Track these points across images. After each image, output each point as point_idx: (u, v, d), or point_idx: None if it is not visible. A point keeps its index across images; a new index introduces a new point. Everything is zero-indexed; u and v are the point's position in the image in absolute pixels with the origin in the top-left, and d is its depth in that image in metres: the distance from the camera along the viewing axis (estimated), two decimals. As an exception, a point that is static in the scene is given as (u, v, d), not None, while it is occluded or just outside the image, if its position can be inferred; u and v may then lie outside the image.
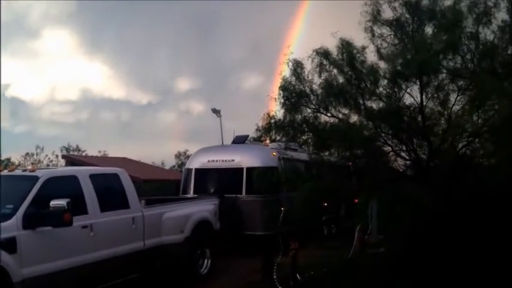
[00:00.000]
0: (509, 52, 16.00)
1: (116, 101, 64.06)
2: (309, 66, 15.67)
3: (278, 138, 17.54)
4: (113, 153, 38.23)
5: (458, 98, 14.94)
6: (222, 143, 19.90)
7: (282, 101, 15.99)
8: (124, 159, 28.33)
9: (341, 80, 15.58)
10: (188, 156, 27.91)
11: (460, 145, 15.35)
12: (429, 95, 15.15)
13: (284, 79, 16.04)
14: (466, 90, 14.80)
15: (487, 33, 16.11)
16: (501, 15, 16.50)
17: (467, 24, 15.74)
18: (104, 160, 28.43)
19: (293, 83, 16.03)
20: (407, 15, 15.49)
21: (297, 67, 15.97)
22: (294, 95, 15.90)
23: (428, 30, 15.71)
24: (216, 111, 20.14)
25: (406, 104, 15.35)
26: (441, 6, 15.50)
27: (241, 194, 17.06)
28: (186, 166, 19.81)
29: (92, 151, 39.93)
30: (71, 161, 28.85)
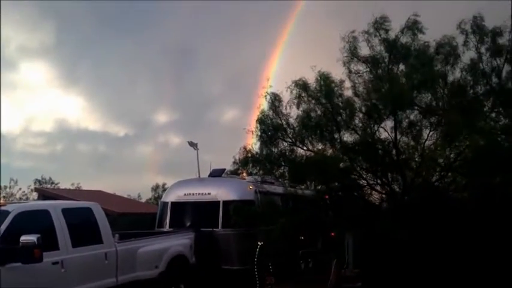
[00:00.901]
0: (477, 90, 16.66)
1: (92, 132, 63.35)
2: (286, 98, 16.05)
3: (255, 171, 17.57)
4: (87, 186, 37.56)
5: (431, 133, 15.32)
6: (199, 176, 19.76)
7: (259, 134, 16.18)
8: (98, 192, 27.87)
9: (318, 112, 15.87)
10: (165, 189, 27.57)
11: (434, 179, 15.69)
12: (403, 130, 15.50)
13: (261, 112, 16.28)
14: (438, 126, 15.21)
15: (456, 72, 16.86)
16: (469, 54, 17.30)
17: (438, 63, 16.41)
18: (78, 193, 27.90)
19: (270, 116, 16.28)
20: (384, 53, 16.01)
21: (275, 100, 16.26)
22: (270, 128, 16.11)
23: (403, 68, 16.23)
24: (192, 145, 20.08)
25: (381, 138, 15.66)
26: (415, 45, 16.07)
27: (218, 228, 16.89)
28: (162, 199, 19.59)
29: (65, 184, 39.19)
30: (43, 194, 28.18)
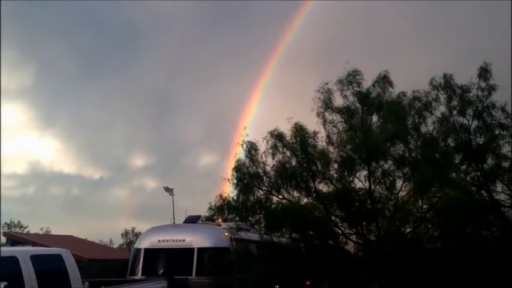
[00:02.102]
0: (448, 143, 17.24)
1: (66, 175, 62.26)
2: (263, 147, 16.25)
3: (231, 217, 17.50)
4: (58, 230, 36.61)
5: (404, 184, 15.63)
6: (174, 222, 19.53)
7: (235, 182, 16.25)
8: (69, 237, 27.16)
9: (294, 162, 16.09)
10: (137, 235, 27.04)
11: (407, 229, 15.87)
12: (377, 180, 15.78)
13: (237, 161, 16.43)
14: (411, 177, 15.55)
15: (428, 124, 17.48)
16: (441, 108, 18.00)
17: (410, 116, 17.00)
18: (48, 238, 27.13)
19: (247, 164, 16.42)
20: (358, 104, 16.53)
21: (251, 149, 16.46)
22: (247, 176, 16.21)
23: (376, 119, 16.74)
24: (168, 190, 20.00)
25: (356, 188, 15.89)
26: (388, 97, 16.67)
27: (192, 276, 16.56)
28: (135, 246, 19.17)
29: (34, 228, 38.05)
30: (12, 238, 27.34)
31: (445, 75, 17.67)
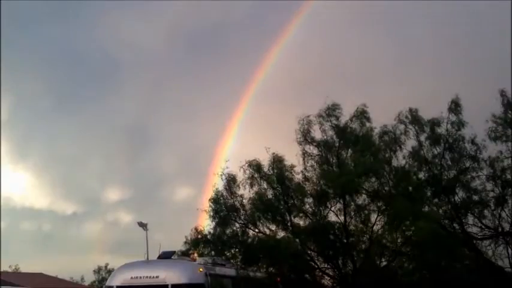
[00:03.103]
0: (420, 176, 17.55)
1: (38, 211, 60.23)
2: (240, 178, 16.30)
3: (206, 252, 17.25)
4: (27, 267, 35.14)
5: (379, 217, 15.78)
6: (147, 258, 19.08)
7: (212, 214, 16.17)
8: (39, 274, 26.23)
9: (270, 195, 16.15)
10: (110, 271, 26.31)
11: (383, 262, 15.95)
12: (352, 214, 15.91)
13: (215, 191, 16.40)
14: (385, 211, 15.73)
15: (399, 158, 17.80)
16: (410, 142, 18.35)
17: (383, 150, 17.32)
18: (17, 276, 26.13)
19: (224, 195, 16.39)
20: (335, 138, 16.81)
21: (229, 180, 16.48)
22: (223, 208, 16.16)
23: (352, 153, 16.96)
24: (142, 225, 19.64)
25: (331, 221, 15.97)
26: (363, 132, 17.00)
27: (166, 313, 16.09)
28: (107, 283, 18.53)
29: (3, 265, 36.54)
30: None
31: (410, 110, 17.95)
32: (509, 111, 17.08)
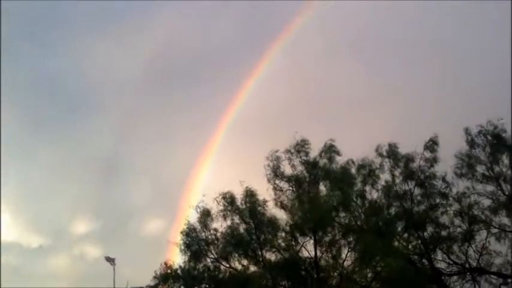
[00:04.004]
0: (391, 211, 17.80)
1: (5, 243, 57.65)
2: (214, 209, 16.29)
3: (176, 287, 17.00)
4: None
5: (349, 253, 15.89)
6: (115, 294, 18.68)
7: (183, 248, 16.06)
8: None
9: (242, 229, 16.17)
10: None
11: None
12: (323, 249, 15.98)
13: (187, 224, 16.32)
14: (356, 246, 15.85)
15: (373, 192, 18.07)
16: (385, 176, 18.66)
17: (356, 184, 17.57)
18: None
19: (196, 228, 16.32)
20: (305, 173, 17.01)
21: (201, 213, 16.44)
22: (195, 242, 16.07)
23: (323, 188, 17.22)
24: (109, 260, 19.10)
25: (302, 256, 16.01)
26: (334, 167, 17.26)
27: None
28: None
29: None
30: None
31: (389, 144, 18.37)
32: (474, 149, 17.54)
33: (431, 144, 18.06)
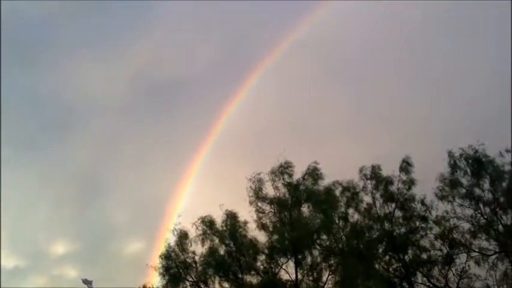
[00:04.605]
0: (372, 234, 17.81)
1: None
2: (193, 232, 16.12)
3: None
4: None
5: (330, 276, 15.80)
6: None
7: (162, 271, 15.83)
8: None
9: (222, 251, 16.00)
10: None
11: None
12: (304, 272, 15.87)
13: (166, 247, 16.11)
14: (337, 269, 15.78)
15: (355, 215, 18.09)
16: (366, 199, 18.73)
17: (340, 206, 17.57)
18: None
19: (175, 251, 16.11)
20: (288, 195, 16.99)
21: (181, 236, 16.23)
22: (174, 265, 15.84)
23: (306, 210, 17.15)
24: (87, 282, 18.61)
25: (283, 279, 15.85)
26: (317, 189, 17.26)
27: None
28: None
29: None
30: None
31: (373, 166, 18.47)
32: (456, 172, 17.74)
33: (406, 166, 18.23)
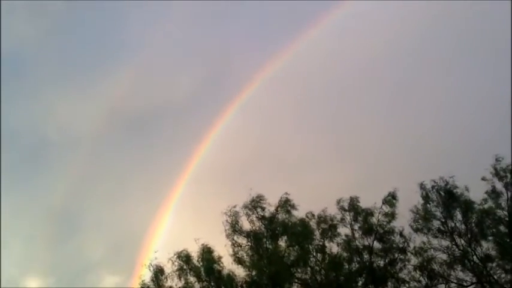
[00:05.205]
0: (351, 266, 17.71)
1: None
2: (169, 268, 15.86)
3: None
4: None
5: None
6: None
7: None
8: None
9: (198, 287, 15.74)
10: None
11: None
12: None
13: (141, 284, 15.80)
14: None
15: (333, 247, 18.03)
16: (344, 230, 18.71)
17: (316, 238, 17.52)
18: None
19: (151, 287, 15.79)
20: (263, 228, 16.95)
21: (157, 272, 15.95)
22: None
23: (282, 243, 17.05)
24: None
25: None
26: (293, 220, 17.25)
27: None
28: None
29: None
30: None
31: (351, 198, 18.55)
32: (428, 204, 17.96)
33: (390, 199, 18.34)
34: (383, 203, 18.34)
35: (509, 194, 17.44)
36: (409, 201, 18.24)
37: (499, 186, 17.58)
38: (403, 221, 18.26)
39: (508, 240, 16.91)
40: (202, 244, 15.65)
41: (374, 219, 18.46)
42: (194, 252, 15.88)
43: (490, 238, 17.17)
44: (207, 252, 15.60)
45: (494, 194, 17.53)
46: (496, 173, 17.63)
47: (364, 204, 18.68)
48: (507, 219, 17.13)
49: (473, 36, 33.79)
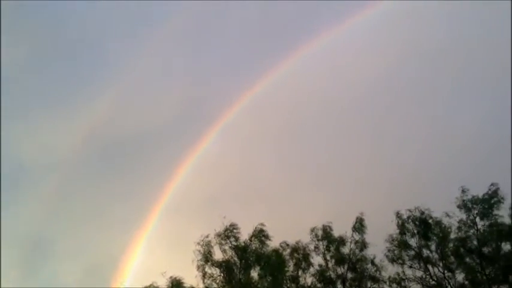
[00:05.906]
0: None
1: None
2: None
3: None
4: None
5: None
6: None
7: None
8: None
9: None
10: None
11: None
12: None
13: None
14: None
15: (307, 277, 17.81)
16: (318, 259, 18.55)
17: (289, 268, 17.27)
18: None
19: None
20: (236, 258, 16.59)
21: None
22: None
23: (255, 273, 16.72)
24: None
25: None
26: (265, 251, 16.97)
27: None
28: None
29: None
30: None
31: (324, 226, 18.51)
32: (404, 234, 17.97)
33: (359, 225, 18.36)
34: (353, 231, 18.39)
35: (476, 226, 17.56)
36: (385, 230, 18.31)
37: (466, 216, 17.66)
38: (375, 250, 18.25)
39: (479, 270, 17.06)
40: (171, 277, 15.17)
41: (346, 248, 18.47)
42: (164, 285, 15.41)
43: (463, 268, 17.27)
44: (176, 286, 15.15)
45: (465, 225, 17.67)
46: (464, 205, 17.73)
47: (339, 231, 18.67)
48: (478, 249, 17.27)
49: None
